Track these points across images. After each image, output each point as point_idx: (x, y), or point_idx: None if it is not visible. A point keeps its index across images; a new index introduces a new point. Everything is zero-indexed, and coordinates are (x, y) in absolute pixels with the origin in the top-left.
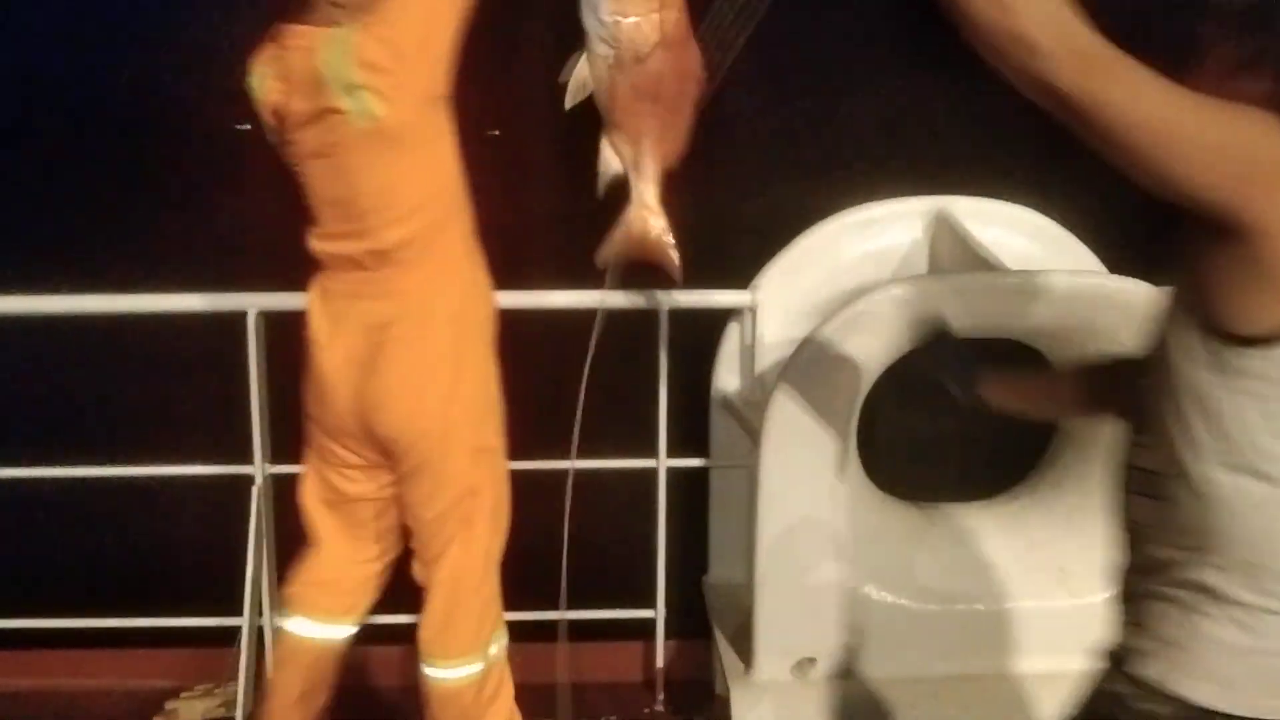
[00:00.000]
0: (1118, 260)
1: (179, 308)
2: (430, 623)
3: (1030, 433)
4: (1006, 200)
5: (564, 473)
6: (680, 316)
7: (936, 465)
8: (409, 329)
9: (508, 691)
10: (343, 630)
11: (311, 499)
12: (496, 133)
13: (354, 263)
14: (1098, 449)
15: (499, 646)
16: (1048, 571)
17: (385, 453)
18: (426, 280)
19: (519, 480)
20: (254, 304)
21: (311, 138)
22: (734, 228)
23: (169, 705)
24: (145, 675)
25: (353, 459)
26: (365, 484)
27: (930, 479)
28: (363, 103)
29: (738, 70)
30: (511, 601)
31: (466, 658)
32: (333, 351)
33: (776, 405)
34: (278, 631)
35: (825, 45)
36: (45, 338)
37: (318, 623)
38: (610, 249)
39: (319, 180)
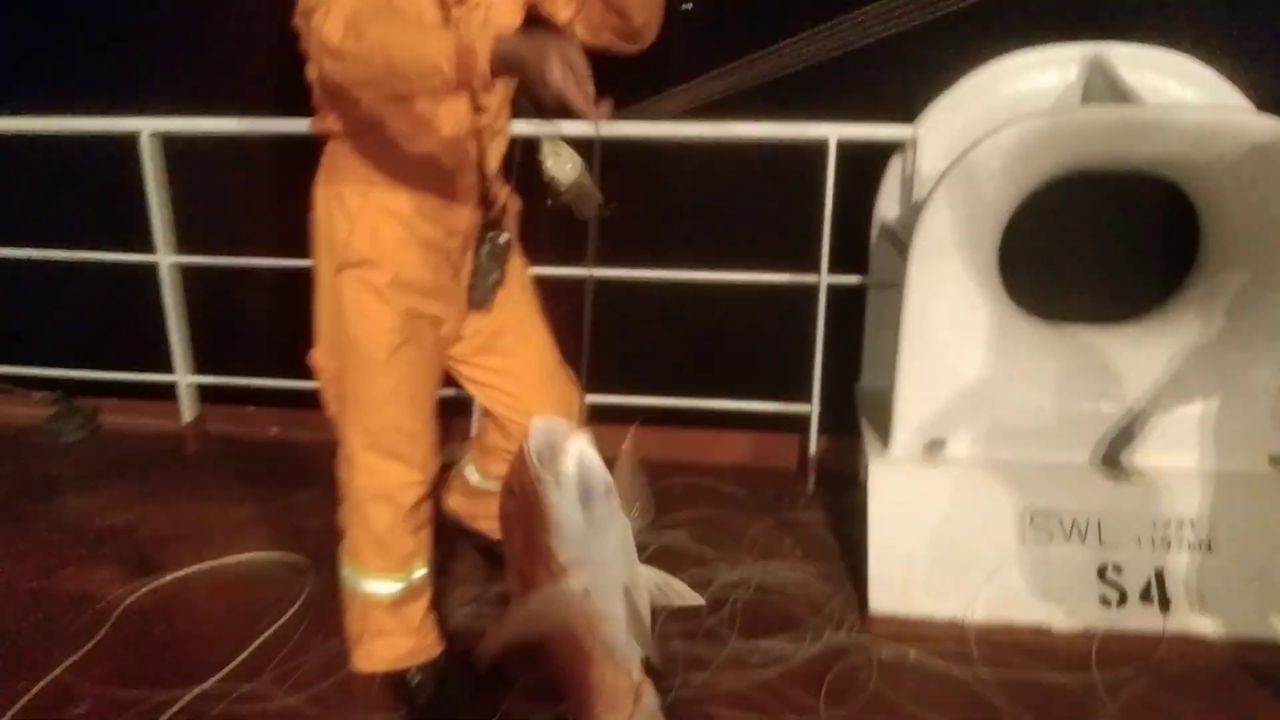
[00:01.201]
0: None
1: None
2: None
3: (1166, 262)
4: (1166, 47)
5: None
6: (848, 148)
7: (1073, 288)
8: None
9: None
10: None
11: None
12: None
13: None
14: (1230, 283)
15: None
16: (1164, 382)
17: None
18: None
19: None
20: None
21: None
22: (902, 67)
23: None
24: None
25: None
26: None
27: (1066, 300)
28: None
29: None
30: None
31: None
32: None
33: (927, 216)
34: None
35: None
36: None
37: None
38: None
39: None
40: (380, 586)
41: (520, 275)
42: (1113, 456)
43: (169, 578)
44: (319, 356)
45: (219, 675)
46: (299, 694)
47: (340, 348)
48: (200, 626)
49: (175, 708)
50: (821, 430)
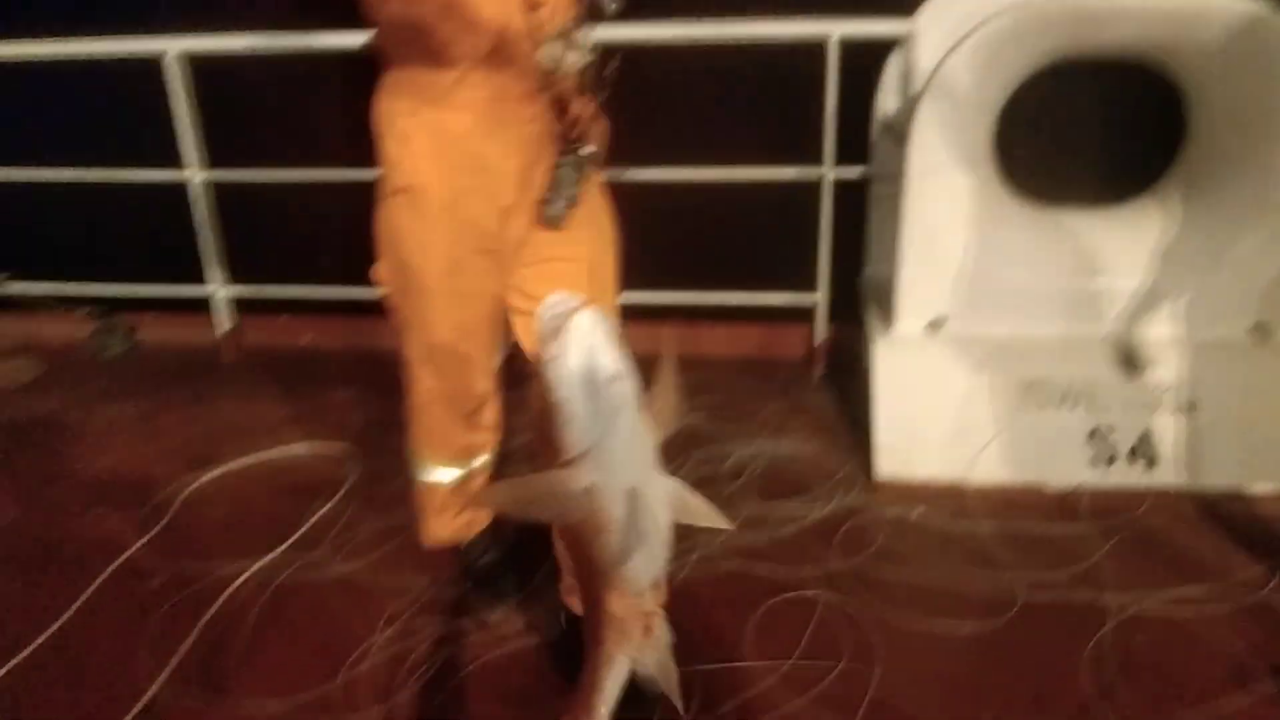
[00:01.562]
0: None
1: None
2: None
3: (1157, 145)
4: None
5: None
6: (849, 45)
7: (1065, 172)
8: None
9: None
10: None
11: None
12: None
13: None
14: (1214, 163)
15: None
16: (1153, 258)
17: None
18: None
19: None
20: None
21: None
22: None
23: None
24: None
25: None
26: None
27: (1062, 185)
28: None
29: None
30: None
31: None
32: None
33: (921, 111)
34: None
35: None
36: None
37: None
38: None
39: None
40: (442, 475)
41: (594, 201)
42: (1119, 338)
43: (223, 469)
44: (381, 271)
45: (281, 548)
46: (356, 561)
47: (396, 267)
48: (257, 509)
49: (243, 577)
50: (828, 319)
